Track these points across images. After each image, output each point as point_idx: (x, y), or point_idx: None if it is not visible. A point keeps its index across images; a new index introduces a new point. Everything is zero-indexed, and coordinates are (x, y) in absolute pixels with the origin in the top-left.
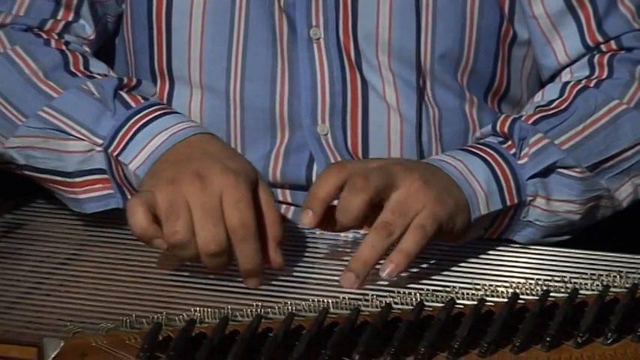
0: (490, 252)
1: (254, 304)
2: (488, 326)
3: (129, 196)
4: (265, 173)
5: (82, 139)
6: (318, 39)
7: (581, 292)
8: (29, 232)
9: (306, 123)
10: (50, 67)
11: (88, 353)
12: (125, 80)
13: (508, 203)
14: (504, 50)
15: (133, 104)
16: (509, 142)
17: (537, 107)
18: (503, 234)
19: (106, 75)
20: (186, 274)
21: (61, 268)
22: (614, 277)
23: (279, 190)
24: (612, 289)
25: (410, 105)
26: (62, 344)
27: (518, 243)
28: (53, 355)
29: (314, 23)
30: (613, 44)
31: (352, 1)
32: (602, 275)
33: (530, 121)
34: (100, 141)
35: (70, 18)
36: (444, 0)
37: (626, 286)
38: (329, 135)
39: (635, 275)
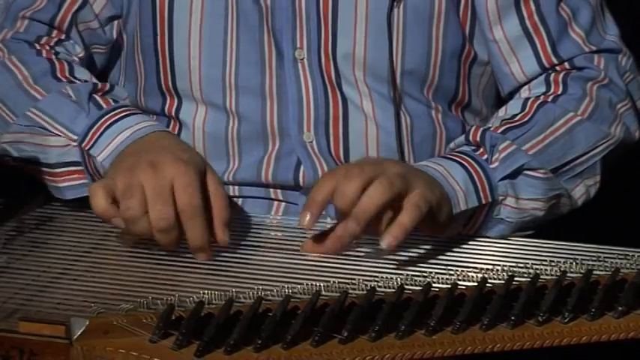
0: (462, 242)
1: (255, 287)
2: (460, 307)
3: None
4: (259, 175)
5: (60, 136)
6: (302, 59)
7: (541, 277)
8: (57, 224)
9: (293, 132)
10: (39, 73)
11: (110, 331)
12: (100, 85)
13: (483, 201)
14: (465, 69)
15: (104, 106)
16: (482, 149)
17: (503, 120)
18: (479, 230)
19: (87, 80)
20: (195, 261)
21: (86, 256)
22: (571, 263)
23: (271, 190)
24: (569, 275)
25: (385, 114)
26: (87, 323)
27: (488, 236)
28: (79, 333)
29: (298, 45)
30: (567, 65)
31: (332, 24)
32: (560, 262)
33: (498, 132)
34: (75, 137)
35: (62, 37)
36: (412, 22)
37: (581, 271)
38: (314, 142)
39: (589, 262)
